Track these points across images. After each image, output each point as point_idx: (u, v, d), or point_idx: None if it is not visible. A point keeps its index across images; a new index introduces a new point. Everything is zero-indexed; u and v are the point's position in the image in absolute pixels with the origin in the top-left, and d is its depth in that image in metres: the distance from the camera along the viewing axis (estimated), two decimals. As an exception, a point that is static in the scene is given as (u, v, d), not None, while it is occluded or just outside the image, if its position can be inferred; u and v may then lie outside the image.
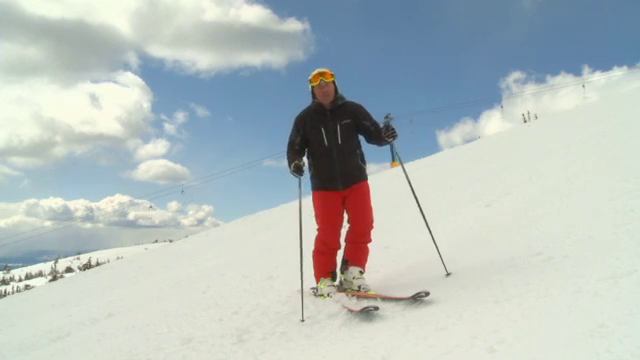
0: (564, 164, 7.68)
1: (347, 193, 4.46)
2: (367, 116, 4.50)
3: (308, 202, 4.75)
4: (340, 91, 4.49)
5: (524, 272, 3.51)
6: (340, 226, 4.55)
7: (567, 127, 13.57)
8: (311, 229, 4.71)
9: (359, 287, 4.36)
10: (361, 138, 4.56)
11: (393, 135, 4.26)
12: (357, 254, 4.52)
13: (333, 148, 4.40)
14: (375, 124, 4.47)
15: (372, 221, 4.52)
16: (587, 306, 2.58)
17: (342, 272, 4.64)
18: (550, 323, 2.51)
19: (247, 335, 3.99)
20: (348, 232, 4.56)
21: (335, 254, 4.63)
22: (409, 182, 4.60)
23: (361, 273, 4.48)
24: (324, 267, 4.60)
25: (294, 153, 4.48)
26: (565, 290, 2.90)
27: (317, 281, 4.62)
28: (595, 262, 3.22)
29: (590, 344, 2.14)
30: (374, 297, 4.07)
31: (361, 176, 4.50)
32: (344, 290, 4.50)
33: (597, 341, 2.14)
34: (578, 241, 3.82)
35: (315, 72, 4.39)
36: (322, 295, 4.44)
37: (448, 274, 4.15)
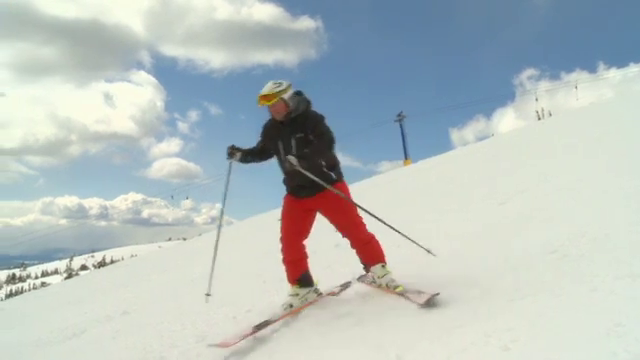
0: (579, 162, 7.61)
1: (313, 204, 4.28)
2: (314, 130, 4.16)
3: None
4: (295, 103, 4.19)
5: (539, 270, 3.48)
6: (299, 234, 4.37)
7: (582, 124, 13.44)
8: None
9: (386, 285, 4.25)
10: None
11: (289, 166, 3.96)
12: (366, 254, 4.37)
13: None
14: (318, 136, 4.12)
15: (356, 222, 4.28)
16: (603, 305, 2.56)
17: (367, 272, 4.55)
18: (565, 322, 2.49)
19: (261, 333, 4.01)
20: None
21: (296, 262, 4.42)
22: (356, 204, 4.30)
23: (383, 267, 4.32)
24: (290, 275, 4.46)
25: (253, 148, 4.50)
26: (580, 289, 2.88)
27: None
28: (611, 261, 3.18)
29: (607, 343, 2.12)
30: (398, 294, 4.01)
31: (326, 182, 4.15)
32: (379, 286, 4.40)
33: (614, 340, 2.12)
34: (593, 239, 3.78)
35: (258, 95, 4.15)
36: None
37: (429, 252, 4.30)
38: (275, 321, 4.13)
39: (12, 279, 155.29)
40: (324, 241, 4.62)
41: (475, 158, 15.47)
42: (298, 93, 4.28)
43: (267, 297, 5.23)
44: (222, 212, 4.62)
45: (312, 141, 4.11)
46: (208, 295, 4.18)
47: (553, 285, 3.09)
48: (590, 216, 4.49)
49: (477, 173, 11.39)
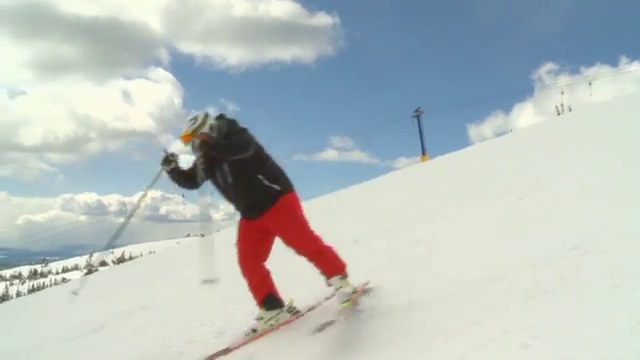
0: (600, 157, 7.49)
1: (263, 224, 4.08)
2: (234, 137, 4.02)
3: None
4: (217, 129, 4.04)
5: (559, 267, 3.43)
6: (257, 257, 4.25)
7: (603, 119, 13.21)
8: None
9: (339, 298, 4.01)
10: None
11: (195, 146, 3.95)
12: (322, 266, 4.11)
13: (229, 189, 4.07)
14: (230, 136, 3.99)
15: (307, 236, 4.07)
16: (625, 302, 2.52)
17: (328, 285, 4.24)
18: (586, 319, 2.47)
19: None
20: None
21: (259, 285, 4.28)
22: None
23: (341, 279, 4.07)
24: (255, 298, 4.31)
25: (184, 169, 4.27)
26: (602, 286, 2.84)
27: None
28: (633, 257, 3.13)
29: (629, 341, 2.09)
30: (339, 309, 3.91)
31: (271, 200, 4.00)
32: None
33: (637, 338, 2.09)
34: (615, 236, 3.71)
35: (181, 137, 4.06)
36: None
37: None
38: (235, 348, 3.96)
39: (34, 275, 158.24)
40: (338, 240, 4.62)
41: (493, 154, 15.30)
42: (220, 117, 4.16)
43: (284, 294, 5.22)
44: (129, 217, 4.62)
45: None
46: (75, 294, 4.05)
47: (574, 282, 3.05)
48: (611, 212, 4.41)
49: (495, 169, 11.27)
